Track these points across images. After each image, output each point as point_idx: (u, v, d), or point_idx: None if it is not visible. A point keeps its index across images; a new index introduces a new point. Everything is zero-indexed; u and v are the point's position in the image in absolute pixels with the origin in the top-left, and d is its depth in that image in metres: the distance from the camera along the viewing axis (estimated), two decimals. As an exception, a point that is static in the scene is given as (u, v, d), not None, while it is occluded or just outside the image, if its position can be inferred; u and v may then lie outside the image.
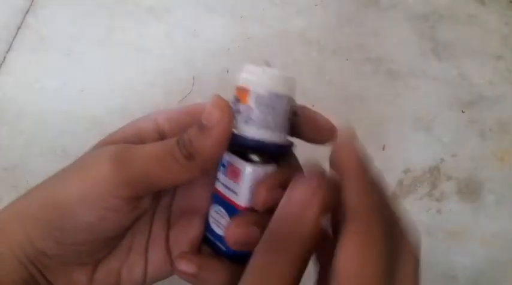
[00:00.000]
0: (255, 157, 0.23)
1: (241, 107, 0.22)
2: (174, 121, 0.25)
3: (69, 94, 0.48)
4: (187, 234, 0.25)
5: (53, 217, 0.22)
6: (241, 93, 0.22)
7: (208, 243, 0.26)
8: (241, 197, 0.23)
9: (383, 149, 0.48)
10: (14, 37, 0.51)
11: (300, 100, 0.52)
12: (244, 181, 0.23)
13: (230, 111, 0.21)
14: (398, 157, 0.48)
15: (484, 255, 0.44)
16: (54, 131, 0.46)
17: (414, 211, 0.46)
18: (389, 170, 0.47)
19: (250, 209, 0.23)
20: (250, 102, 0.22)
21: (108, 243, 0.24)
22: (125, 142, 0.24)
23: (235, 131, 0.22)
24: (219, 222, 0.24)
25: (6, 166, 0.44)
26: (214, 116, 0.21)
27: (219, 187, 0.25)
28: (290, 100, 0.23)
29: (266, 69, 0.22)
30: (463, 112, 0.50)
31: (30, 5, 0.52)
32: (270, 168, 0.23)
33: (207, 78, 0.50)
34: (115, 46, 0.51)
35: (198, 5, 0.54)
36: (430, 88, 0.52)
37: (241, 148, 0.23)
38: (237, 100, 0.22)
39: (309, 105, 0.49)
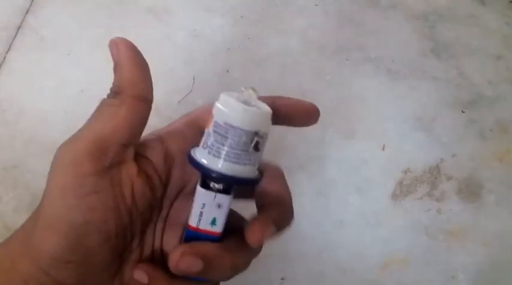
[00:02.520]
0: (210, 182, 0.23)
1: (205, 131, 0.23)
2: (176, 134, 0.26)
3: (69, 94, 0.48)
4: (169, 247, 0.26)
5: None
6: (209, 118, 0.23)
7: None
8: (192, 217, 0.24)
9: (383, 149, 0.48)
10: (14, 37, 0.51)
11: (300, 100, 0.52)
12: (196, 202, 0.24)
13: (131, 44, 0.25)
14: (398, 157, 0.48)
15: (484, 255, 0.44)
16: (54, 131, 0.46)
17: (414, 211, 0.46)
18: (389, 170, 0.47)
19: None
20: (211, 128, 0.23)
21: (115, 244, 0.24)
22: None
23: (191, 151, 0.24)
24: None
25: (6, 166, 0.44)
26: (121, 51, 0.25)
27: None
28: (251, 134, 0.23)
29: (233, 100, 0.23)
30: (463, 112, 0.50)
31: (30, 5, 0.52)
32: (223, 198, 0.24)
33: (207, 78, 0.50)
34: (115, 46, 0.51)
35: (198, 5, 0.54)
36: (430, 88, 0.52)
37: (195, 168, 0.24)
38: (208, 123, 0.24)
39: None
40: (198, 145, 0.24)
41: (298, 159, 0.47)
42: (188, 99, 0.49)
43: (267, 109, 0.24)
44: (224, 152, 0.22)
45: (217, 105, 0.23)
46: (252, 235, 0.23)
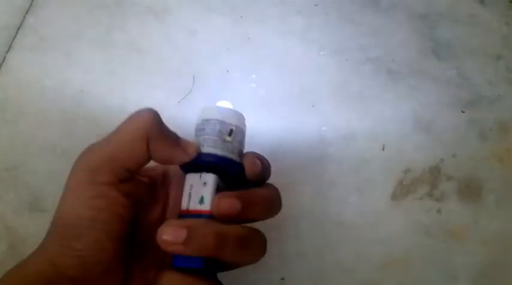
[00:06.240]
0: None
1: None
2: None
3: (69, 94, 0.48)
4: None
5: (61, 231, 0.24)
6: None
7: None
8: (182, 202, 0.27)
9: (383, 149, 0.48)
10: (14, 37, 0.51)
11: (300, 101, 0.52)
12: (185, 186, 0.28)
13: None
14: (398, 157, 0.48)
15: (484, 255, 0.44)
16: (54, 131, 0.46)
17: (414, 211, 0.46)
18: (389, 170, 0.47)
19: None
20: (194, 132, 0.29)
21: (118, 246, 0.24)
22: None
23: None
24: None
25: (6, 166, 0.44)
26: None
27: None
28: (224, 123, 0.28)
29: (208, 106, 0.29)
30: (463, 112, 0.50)
31: (30, 5, 0.52)
32: (207, 176, 0.27)
33: (207, 78, 0.50)
34: (115, 46, 0.51)
35: (198, 5, 0.54)
36: (430, 88, 0.52)
37: None
38: None
39: (309, 105, 0.49)
40: None
41: (298, 159, 0.47)
42: (188, 99, 0.49)
43: (239, 112, 0.29)
44: (202, 140, 0.27)
45: (199, 112, 0.29)
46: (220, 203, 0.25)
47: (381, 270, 0.43)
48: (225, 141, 0.27)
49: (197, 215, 0.25)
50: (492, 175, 0.48)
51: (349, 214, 0.45)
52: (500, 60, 0.54)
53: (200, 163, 0.26)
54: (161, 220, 0.28)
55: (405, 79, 0.52)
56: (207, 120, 0.28)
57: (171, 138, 0.27)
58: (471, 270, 0.43)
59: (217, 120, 0.28)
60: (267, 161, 0.30)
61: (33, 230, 0.42)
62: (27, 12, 0.52)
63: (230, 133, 0.28)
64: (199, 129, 0.28)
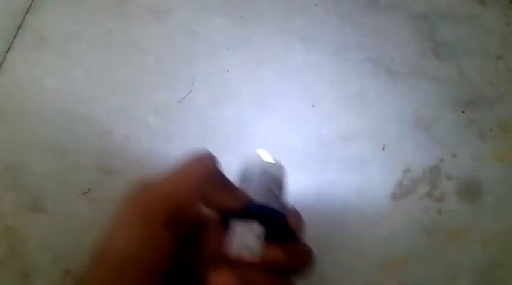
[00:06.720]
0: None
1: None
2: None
3: (69, 94, 0.48)
4: None
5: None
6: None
7: None
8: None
9: (383, 149, 0.48)
10: (14, 37, 0.51)
11: (300, 101, 0.52)
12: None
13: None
14: (398, 157, 0.48)
15: (484, 255, 0.44)
16: (54, 131, 0.46)
17: (414, 211, 0.46)
18: (389, 170, 0.47)
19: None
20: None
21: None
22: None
23: None
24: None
25: (6, 166, 0.44)
26: None
27: None
28: (268, 174, 0.29)
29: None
30: (463, 112, 0.50)
31: (30, 5, 0.52)
32: (252, 224, 0.27)
33: (207, 77, 0.50)
34: (115, 46, 0.51)
35: (198, 5, 0.54)
36: (430, 88, 0.52)
37: None
38: None
39: (309, 105, 0.49)
40: None
41: (298, 159, 0.47)
42: (188, 99, 0.49)
43: (282, 165, 0.31)
44: (250, 188, 0.28)
45: (244, 160, 0.30)
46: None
47: (380, 270, 0.43)
48: (271, 191, 0.28)
49: (245, 263, 0.26)
50: (492, 175, 0.48)
51: (349, 214, 0.45)
52: (500, 60, 0.54)
53: (248, 211, 0.27)
54: (198, 261, 0.28)
55: (405, 79, 0.52)
56: (254, 170, 0.29)
57: (228, 186, 0.27)
58: (471, 270, 0.43)
59: (265, 170, 0.29)
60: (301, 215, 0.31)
61: (33, 230, 0.42)
62: (27, 12, 0.52)
63: (276, 184, 0.29)
64: (246, 177, 0.29)
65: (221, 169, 0.27)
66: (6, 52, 0.50)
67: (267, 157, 0.31)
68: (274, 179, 0.29)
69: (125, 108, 0.47)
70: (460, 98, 0.51)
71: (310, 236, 0.44)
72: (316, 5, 0.55)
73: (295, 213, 0.29)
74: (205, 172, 0.26)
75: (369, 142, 0.48)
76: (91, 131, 0.45)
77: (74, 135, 0.46)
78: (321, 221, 0.45)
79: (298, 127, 0.48)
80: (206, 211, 0.29)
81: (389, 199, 0.46)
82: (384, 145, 0.48)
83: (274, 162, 0.30)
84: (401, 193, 0.46)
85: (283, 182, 0.30)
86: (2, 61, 0.49)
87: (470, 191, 0.47)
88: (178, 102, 0.48)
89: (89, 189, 0.43)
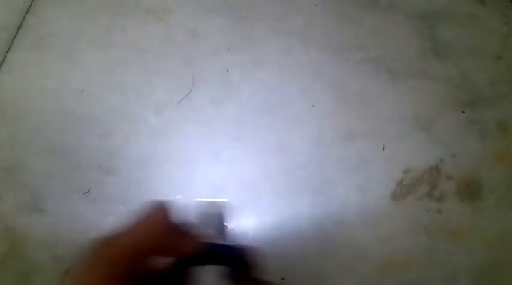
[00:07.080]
0: None
1: None
2: None
3: (69, 94, 0.48)
4: None
5: None
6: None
7: None
8: None
9: (383, 149, 0.48)
10: (14, 37, 0.51)
11: (300, 100, 0.52)
12: None
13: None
14: (398, 157, 0.48)
15: (484, 255, 0.44)
16: (54, 131, 0.46)
17: (414, 211, 0.46)
18: (389, 170, 0.47)
19: None
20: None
21: None
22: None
23: None
24: None
25: (6, 166, 0.44)
26: None
27: None
28: (215, 215, 0.30)
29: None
30: (463, 112, 0.50)
31: (30, 5, 0.52)
32: (211, 268, 0.28)
33: (207, 77, 0.50)
34: (115, 46, 0.51)
35: (198, 5, 0.54)
36: (430, 88, 0.52)
37: None
38: None
39: (308, 105, 0.49)
40: None
41: (298, 159, 0.47)
42: (188, 99, 0.49)
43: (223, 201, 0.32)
44: (202, 232, 0.28)
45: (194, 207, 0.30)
46: None
47: (380, 270, 0.43)
48: (222, 230, 0.30)
49: None
50: (492, 175, 0.48)
51: (349, 214, 0.45)
52: (500, 60, 0.54)
53: (207, 254, 0.28)
54: None
55: (405, 79, 0.52)
56: (202, 215, 0.30)
57: (182, 234, 0.28)
58: (471, 270, 0.43)
59: (208, 213, 0.30)
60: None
61: (33, 230, 0.42)
62: (27, 12, 0.52)
63: (222, 222, 0.30)
64: (200, 223, 0.30)
65: (177, 218, 0.28)
66: (6, 52, 0.50)
67: (207, 200, 0.32)
68: (219, 218, 0.30)
69: (124, 108, 0.47)
70: (460, 98, 0.51)
71: (310, 237, 0.44)
72: (316, 5, 0.55)
73: (251, 248, 0.30)
74: (159, 225, 0.26)
75: (369, 142, 0.48)
76: (91, 131, 0.45)
77: (74, 135, 0.46)
78: (321, 221, 0.45)
79: (298, 127, 0.48)
80: (165, 261, 0.30)
81: (390, 199, 0.46)
82: (383, 145, 0.48)
83: (214, 201, 0.31)
84: (401, 193, 0.46)
85: (226, 219, 0.31)
86: (2, 61, 0.49)
87: (470, 191, 0.47)
88: (178, 101, 0.48)
89: (89, 189, 0.43)
